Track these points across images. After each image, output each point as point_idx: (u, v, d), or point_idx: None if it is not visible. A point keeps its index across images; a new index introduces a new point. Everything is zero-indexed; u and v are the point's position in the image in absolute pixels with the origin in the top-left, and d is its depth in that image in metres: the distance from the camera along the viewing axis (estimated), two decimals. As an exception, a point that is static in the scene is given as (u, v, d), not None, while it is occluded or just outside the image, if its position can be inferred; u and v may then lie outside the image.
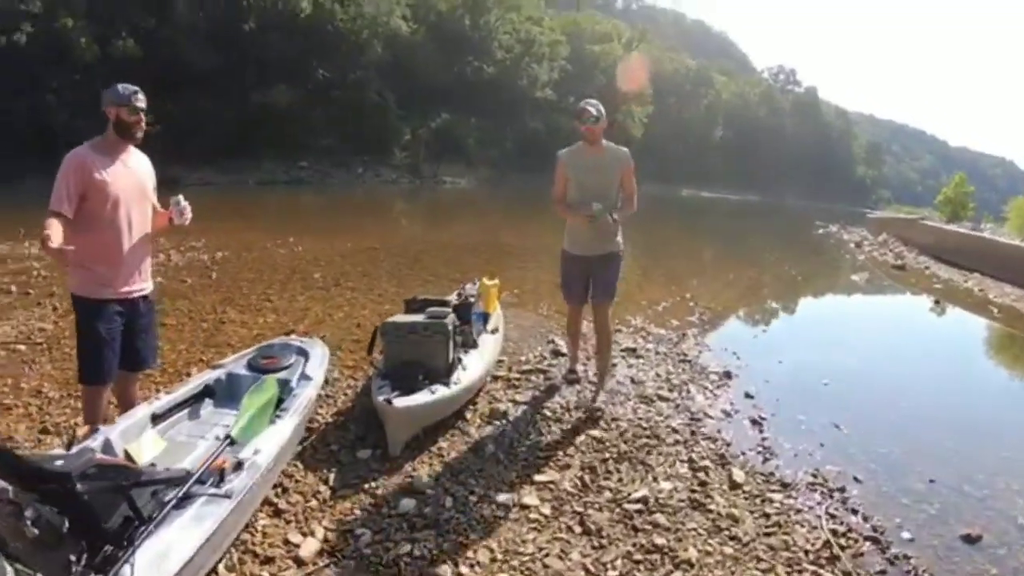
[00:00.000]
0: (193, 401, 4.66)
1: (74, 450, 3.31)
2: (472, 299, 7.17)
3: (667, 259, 18.41)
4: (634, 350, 7.95)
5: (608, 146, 5.76)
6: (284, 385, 4.72)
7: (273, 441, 3.93)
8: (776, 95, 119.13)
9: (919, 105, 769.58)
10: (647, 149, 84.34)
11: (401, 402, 4.69)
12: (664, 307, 10.89)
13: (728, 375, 7.27)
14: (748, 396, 6.66)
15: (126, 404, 4.58)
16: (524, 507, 4.28)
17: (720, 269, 17.52)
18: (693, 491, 4.63)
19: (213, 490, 3.28)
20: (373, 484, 4.43)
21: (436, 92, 56.25)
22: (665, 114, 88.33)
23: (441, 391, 4.98)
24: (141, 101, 4.22)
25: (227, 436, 3.79)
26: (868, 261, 21.15)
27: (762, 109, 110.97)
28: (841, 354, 9.08)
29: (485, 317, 7.05)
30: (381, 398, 4.71)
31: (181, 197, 4.52)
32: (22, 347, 7.54)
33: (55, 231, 3.78)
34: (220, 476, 3.41)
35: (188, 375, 6.37)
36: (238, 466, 3.52)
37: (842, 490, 4.84)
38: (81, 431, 4.27)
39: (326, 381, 5.95)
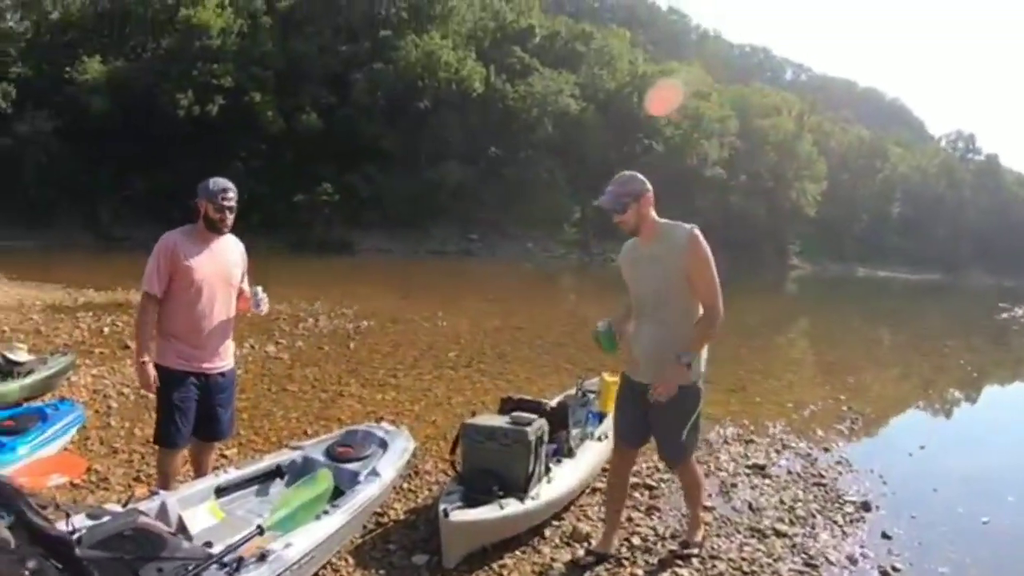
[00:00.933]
0: (264, 479, 4.73)
1: (127, 508, 3.47)
2: (591, 395, 6.66)
3: (827, 350, 17.27)
4: (763, 468, 7.02)
5: (662, 228, 4.27)
6: (351, 477, 4.59)
7: (310, 537, 3.75)
8: (955, 165, 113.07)
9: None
10: (822, 227, 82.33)
11: (459, 516, 4.37)
12: (812, 411, 9.88)
13: (866, 506, 6.14)
14: (885, 536, 5.56)
15: (198, 471, 4.83)
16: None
17: (885, 362, 16.17)
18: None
19: None
20: (415, 596, 4.02)
21: (605, 170, 56.43)
22: (839, 190, 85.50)
23: (512, 507, 4.58)
24: (229, 200, 4.49)
25: (258, 525, 3.66)
26: (1056, 350, 18.87)
27: (941, 182, 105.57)
28: (1010, 479, 7.58)
29: (600, 418, 6.40)
30: (441, 507, 4.40)
31: (260, 289, 4.81)
32: (152, 396, 7.78)
33: (149, 370, 4.40)
34: (238, 565, 3.27)
35: (288, 447, 6.38)
36: (261, 557, 3.37)
37: None
38: (140, 491, 4.60)
39: (415, 473, 5.85)
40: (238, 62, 46.55)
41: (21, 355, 7.66)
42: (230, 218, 4.54)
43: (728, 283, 4.36)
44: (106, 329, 12.22)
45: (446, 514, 4.31)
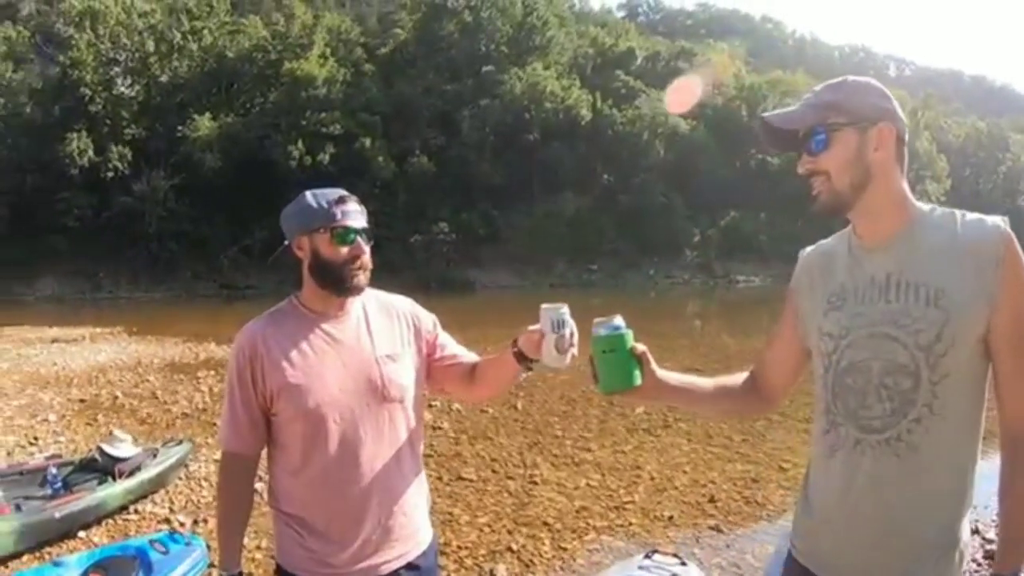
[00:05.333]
0: None
1: None
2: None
3: None
4: None
5: (931, 218, 1.82)
6: None
7: None
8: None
9: None
10: (947, 231, 78.61)
11: None
12: None
13: None
14: None
15: None
16: None
17: None
18: None
19: None
20: None
21: (721, 188, 55.27)
22: (961, 187, 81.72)
23: None
24: (355, 215, 2.24)
25: None
26: None
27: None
28: None
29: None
30: None
31: (565, 310, 2.10)
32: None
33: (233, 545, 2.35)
34: None
35: (492, 574, 5.08)
36: None
37: None
38: None
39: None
40: (345, 110, 47.20)
41: (124, 448, 6.32)
42: (367, 254, 2.27)
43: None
44: (230, 393, 11.50)
45: None
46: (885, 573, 1.80)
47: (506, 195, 48.20)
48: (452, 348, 2.51)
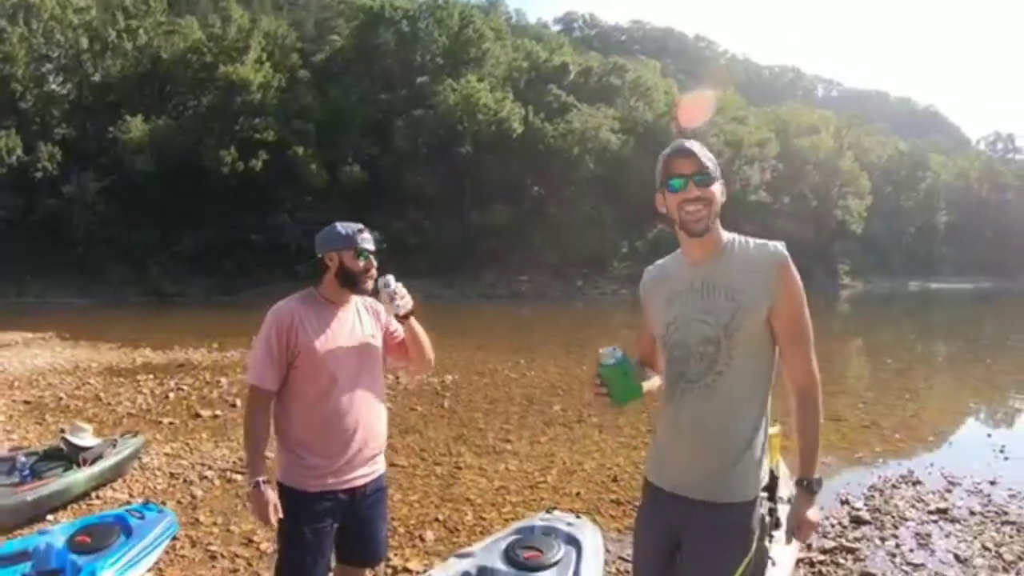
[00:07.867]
0: None
1: None
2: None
3: (933, 373, 16.50)
4: (945, 511, 6.54)
5: (731, 242, 2.72)
6: None
7: None
8: (997, 167, 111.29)
9: None
10: (868, 244, 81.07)
11: None
12: (954, 442, 9.59)
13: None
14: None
15: None
16: None
17: (1000, 385, 14.95)
18: None
19: None
20: None
21: (650, 202, 55.99)
22: (883, 204, 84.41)
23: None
24: (369, 241, 3.36)
25: None
26: None
27: (984, 186, 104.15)
28: None
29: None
30: None
31: (391, 278, 3.42)
32: (238, 477, 7.27)
33: (269, 496, 3.16)
34: None
35: (422, 539, 5.80)
36: None
37: None
38: None
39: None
40: (279, 116, 47.20)
41: (87, 438, 6.69)
42: (374, 266, 3.40)
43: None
44: (171, 395, 11.79)
45: None
46: (702, 476, 2.64)
47: (437, 205, 48.61)
48: (395, 326, 3.63)
